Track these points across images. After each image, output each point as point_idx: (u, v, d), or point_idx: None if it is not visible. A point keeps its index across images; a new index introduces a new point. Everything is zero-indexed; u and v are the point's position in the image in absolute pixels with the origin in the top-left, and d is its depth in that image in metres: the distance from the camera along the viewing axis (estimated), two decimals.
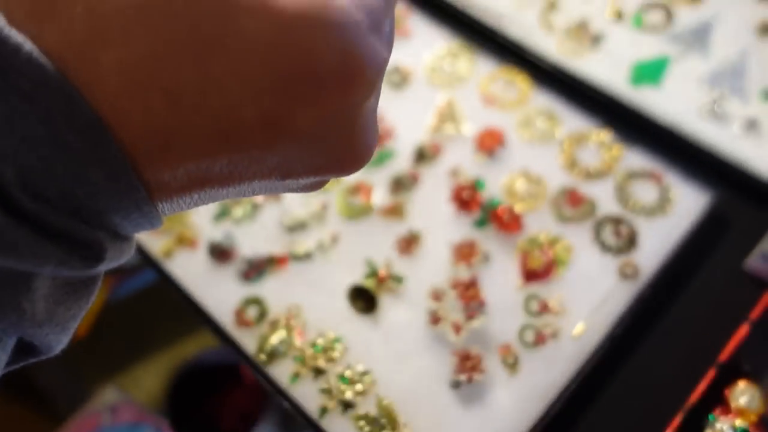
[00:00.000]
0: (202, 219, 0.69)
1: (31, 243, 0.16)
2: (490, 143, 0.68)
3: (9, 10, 0.16)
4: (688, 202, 0.64)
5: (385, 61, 0.20)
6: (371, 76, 0.19)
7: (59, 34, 0.16)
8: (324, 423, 0.57)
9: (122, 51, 0.16)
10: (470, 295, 0.59)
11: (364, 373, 0.59)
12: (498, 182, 0.67)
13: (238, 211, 0.69)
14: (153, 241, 0.68)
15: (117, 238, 0.19)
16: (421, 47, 0.77)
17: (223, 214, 0.69)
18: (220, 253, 0.66)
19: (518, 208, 0.65)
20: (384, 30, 0.20)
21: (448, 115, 0.71)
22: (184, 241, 0.68)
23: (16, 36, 0.15)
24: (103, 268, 0.19)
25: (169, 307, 0.99)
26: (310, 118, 0.19)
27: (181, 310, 0.66)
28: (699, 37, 0.72)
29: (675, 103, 0.69)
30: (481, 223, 0.64)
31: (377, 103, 0.23)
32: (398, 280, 0.62)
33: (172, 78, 0.17)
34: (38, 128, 0.16)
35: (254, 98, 0.18)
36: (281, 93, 0.18)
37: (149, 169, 0.18)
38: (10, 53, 0.15)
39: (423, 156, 0.69)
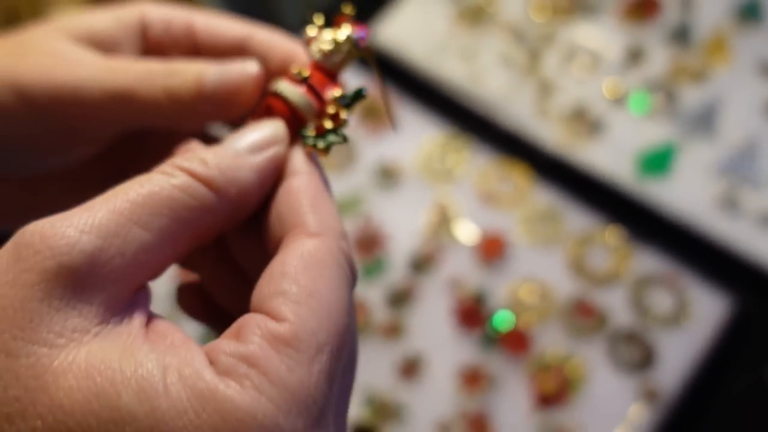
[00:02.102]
0: None
1: None
2: (491, 252, 0.64)
3: None
4: (706, 308, 0.59)
5: None
6: None
7: None
8: None
9: None
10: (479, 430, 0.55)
11: None
12: (501, 291, 0.63)
13: None
14: None
15: None
16: (410, 139, 0.73)
17: None
18: None
19: (525, 320, 0.60)
20: (327, 421, 0.18)
21: (444, 220, 0.67)
22: None
23: None
24: None
25: None
26: None
27: None
28: (704, 120, 0.68)
29: (685, 195, 0.65)
30: (486, 345, 0.60)
31: None
32: (400, 414, 0.58)
33: None
34: None
35: None
36: None
37: None
38: None
39: (419, 265, 0.65)
